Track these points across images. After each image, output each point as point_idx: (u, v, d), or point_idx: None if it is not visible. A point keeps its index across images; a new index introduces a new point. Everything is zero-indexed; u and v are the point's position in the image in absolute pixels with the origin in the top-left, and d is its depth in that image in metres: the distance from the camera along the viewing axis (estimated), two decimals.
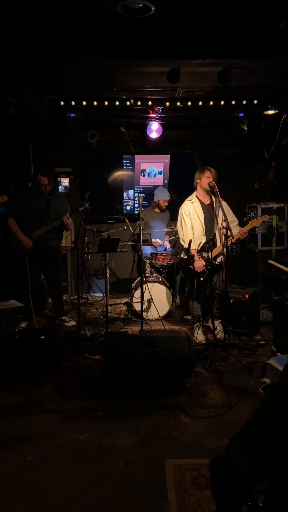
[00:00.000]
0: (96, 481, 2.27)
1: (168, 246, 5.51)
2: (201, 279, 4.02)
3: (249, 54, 3.03)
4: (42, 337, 3.60)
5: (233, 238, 3.94)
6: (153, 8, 2.46)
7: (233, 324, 4.38)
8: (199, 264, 4.09)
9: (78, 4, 2.64)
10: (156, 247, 5.39)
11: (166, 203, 5.56)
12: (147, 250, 5.26)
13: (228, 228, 3.80)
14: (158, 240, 5.41)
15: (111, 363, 3.26)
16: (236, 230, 4.08)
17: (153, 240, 5.24)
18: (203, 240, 4.22)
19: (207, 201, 4.35)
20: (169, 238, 5.58)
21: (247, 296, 4.36)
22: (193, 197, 4.38)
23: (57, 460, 2.46)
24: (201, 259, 4.10)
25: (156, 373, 3.17)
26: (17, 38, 2.80)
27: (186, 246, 4.19)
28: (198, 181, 4.31)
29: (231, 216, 4.21)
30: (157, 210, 5.61)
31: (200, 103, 4.73)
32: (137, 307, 4.72)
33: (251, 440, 0.98)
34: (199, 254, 4.14)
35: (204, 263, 4.05)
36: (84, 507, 2.09)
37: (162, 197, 5.52)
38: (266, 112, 5.01)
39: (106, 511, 2.07)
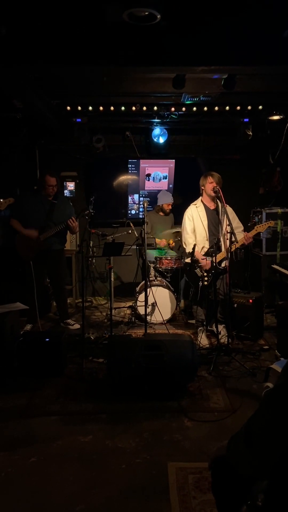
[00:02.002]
0: (99, 483, 2.29)
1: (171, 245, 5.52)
2: (205, 283, 4.04)
3: (253, 61, 3.06)
4: (47, 339, 3.62)
5: (237, 243, 3.96)
6: (158, 16, 2.51)
7: (236, 329, 4.38)
8: (205, 263, 4.10)
9: (84, 13, 2.69)
10: (161, 249, 5.40)
11: (170, 207, 5.59)
12: (151, 254, 5.29)
13: (232, 233, 3.81)
14: (164, 241, 5.43)
15: (114, 366, 3.28)
16: (241, 235, 4.09)
17: (157, 240, 5.27)
18: (206, 244, 4.24)
19: (212, 206, 4.37)
20: (173, 240, 5.59)
21: (251, 300, 4.37)
22: (198, 201, 4.41)
23: (60, 461, 2.48)
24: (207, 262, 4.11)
25: (160, 377, 3.18)
26: (26, 46, 2.85)
27: (189, 250, 4.21)
28: (202, 187, 4.34)
29: (236, 222, 4.22)
30: (161, 214, 5.64)
31: (205, 108, 4.77)
32: (141, 310, 4.74)
33: (250, 440, 1.00)
34: (203, 259, 4.15)
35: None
36: (87, 509, 2.10)
37: (165, 200, 5.55)
38: (271, 118, 5.04)
39: None
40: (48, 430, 2.81)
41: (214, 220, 4.33)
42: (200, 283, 4.07)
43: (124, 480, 2.30)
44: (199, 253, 4.18)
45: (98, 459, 2.49)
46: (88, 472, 2.38)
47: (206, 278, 4.03)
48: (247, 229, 4.36)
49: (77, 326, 4.84)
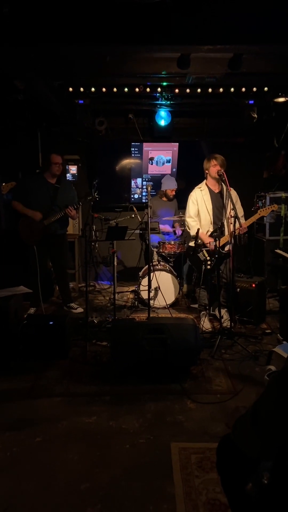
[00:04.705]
0: (103, 462, 2.33)
1: (178, 232, 5.49)
2: (208, 267, 4.03)
3: (260, 40, 2.99)
4: (51, 322, 3.65)
5: (240, 226, 3.94)
6: None
7: (239, 313, 4.40)
8: (209, 240, 4.07)
9: None
10: (164, 234, 5.39)
11: (174, 192, 5.54)
12: (154, 238, 5.28)
13: (236, 217, 3.79)
14: (167, 226, 5.41)
15: (118, 349, 3.31)
16: (241, 221, 4.07)
17: (161, 226, 5.25)
18: (211, 228, 4.22)
19: (216, 189, 4.33)
20: (179, 226, 5.56)
21: (254, 285, 4.37)
22: (202, 185, 4.37)
23: (65, 441, 2.52)
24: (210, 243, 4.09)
25: (163, 360, 3.21)
26: (28, 26, 2.79)
27: (192, 234, 4.19)
28: (206, 171, 4.30)
29: (238, 207, 4.20)
30: (164, 199, 5.60)
31: (210, 90, 4.68)
32: (144, 295, 4.75)
33: (257, 421, 1.00)
34: (207, 242, 4.13)
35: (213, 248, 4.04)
36: (91, 487, 2.14)
37: (169, 186, 5.50)
38: (276, 100, 4.95)
39: (113, 491, 2.12)
40: (53, 411, 2.85)
41: (218, 204, 4.30)
42: (203, 267, 4.06)
43: (128, 460, 2.35)
44: (204, 235, 4.15)
45: (102, 439, 2.53)
46: (93, 451, 2.42)
47: (209, 262, 4.02)
48: (250, 213, 4.34)
49: (80, 309, 4.87)
